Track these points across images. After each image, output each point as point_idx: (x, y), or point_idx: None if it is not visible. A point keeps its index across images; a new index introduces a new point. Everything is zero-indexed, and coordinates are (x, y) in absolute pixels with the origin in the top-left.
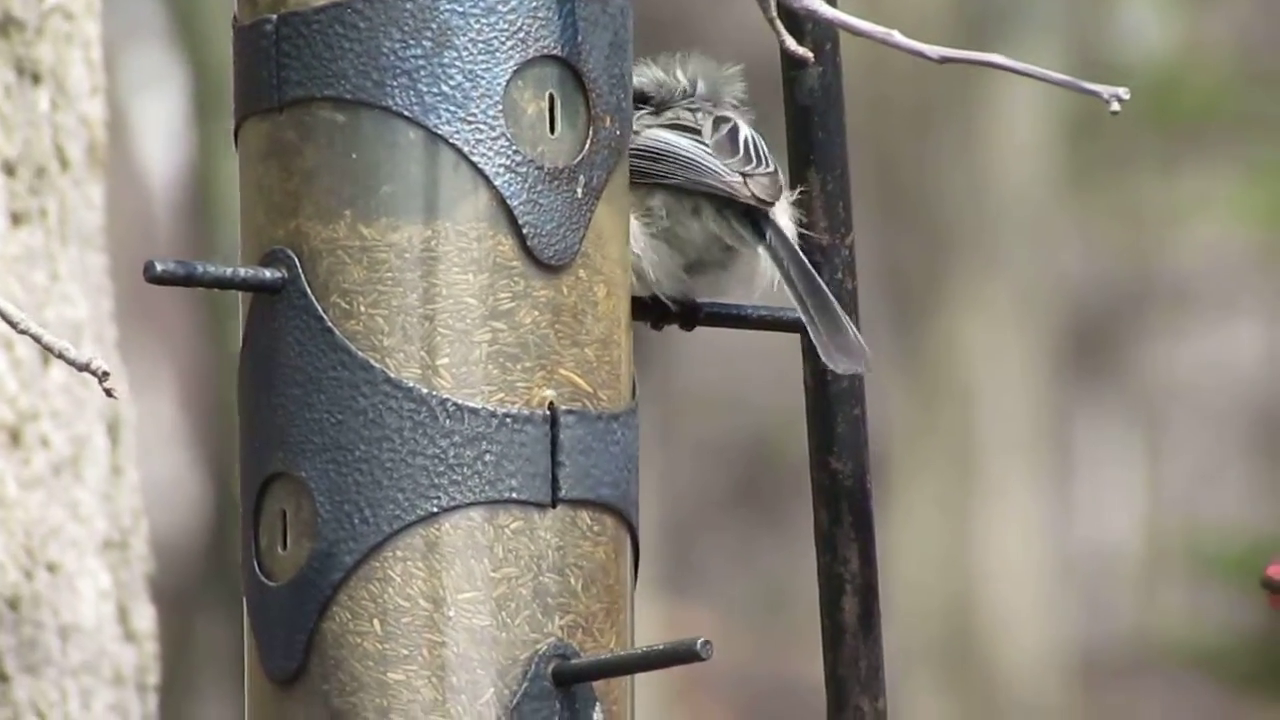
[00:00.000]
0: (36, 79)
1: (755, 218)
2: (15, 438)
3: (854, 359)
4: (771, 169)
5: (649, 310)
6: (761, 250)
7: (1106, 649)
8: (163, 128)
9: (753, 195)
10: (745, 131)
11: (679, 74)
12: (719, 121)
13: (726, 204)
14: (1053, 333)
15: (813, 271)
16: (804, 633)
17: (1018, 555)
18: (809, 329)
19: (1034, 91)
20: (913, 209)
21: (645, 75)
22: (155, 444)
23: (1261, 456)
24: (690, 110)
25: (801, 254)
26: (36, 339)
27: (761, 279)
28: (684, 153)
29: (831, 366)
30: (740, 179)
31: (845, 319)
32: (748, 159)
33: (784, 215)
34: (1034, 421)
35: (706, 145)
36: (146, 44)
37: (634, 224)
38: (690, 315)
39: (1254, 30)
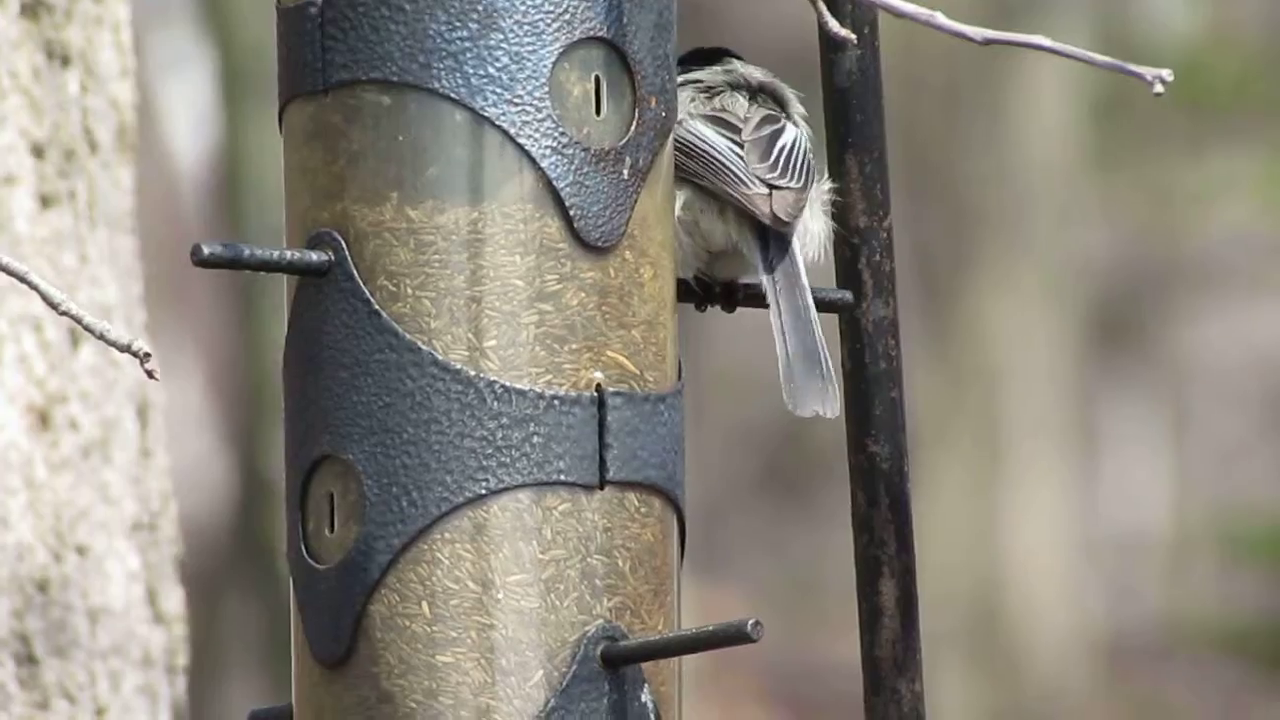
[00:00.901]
0: (66, 62)
1: (770, 236)
2: (44, 420)
3: (822, 405)
4: (799, 184)
5: (692, 293)
6: (764, 276)
7: (1133, 630)
8: (190, 110)
9: (770, 214)
10: (787, 137)
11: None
12: (766, 120)
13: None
14: (1079, 314)
15: (808, 306)
16: (833, 616)
17: (1045, 537)
18: (780, 365)
19: (1061, 73)
20: (940, 190)
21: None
22: (181, 427)
23: None
24: (745, 97)
25: (805, 284)
26: (77, 320)
27: None
28: (715, 154)
29: (792, 409)
30: (764, 191)
31: (825, 364)
32: (776, 168)
33: (815, 218)
34: (1061, 402)
35: (740, 147)
36: (174, 26)
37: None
38: (730, 296)
39: (1279, 12)
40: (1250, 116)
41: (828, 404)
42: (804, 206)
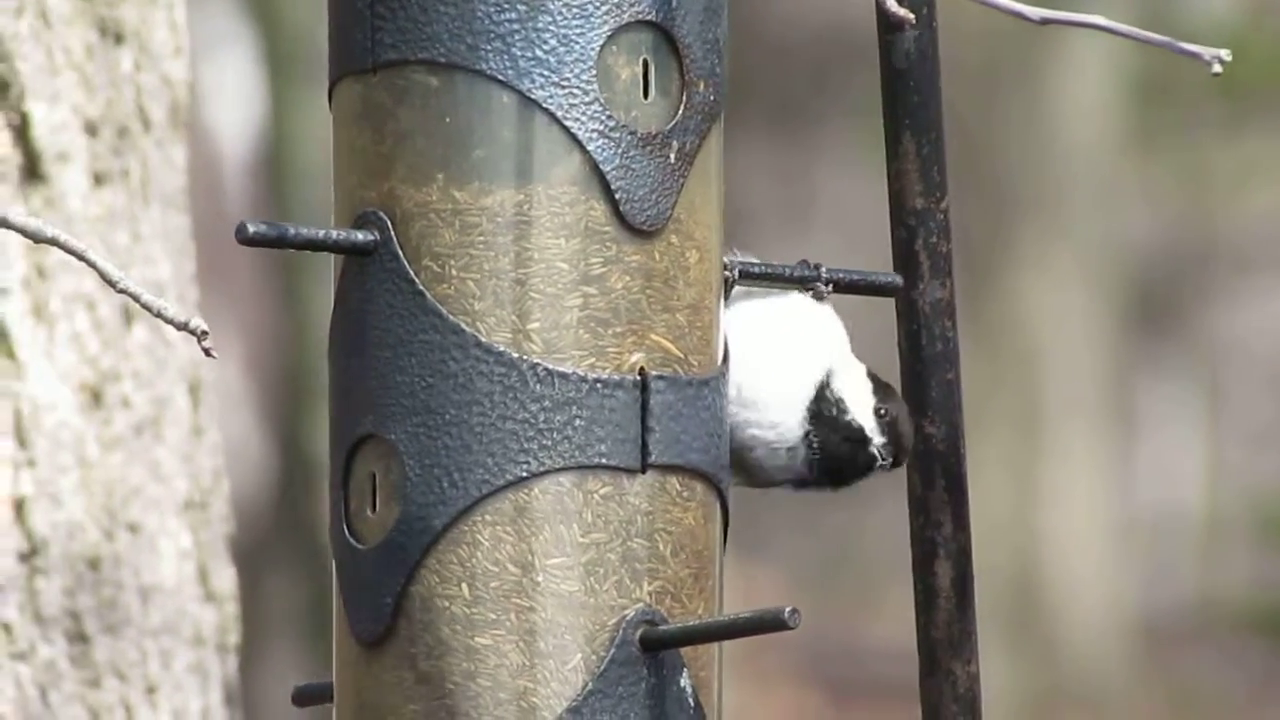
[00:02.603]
0: (119, 39)
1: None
2: (97, 398)
3: None
4: None
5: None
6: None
7: (1169, 611)
8: (233, 89)
9: None
10: None
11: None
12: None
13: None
14: (1117, 295)
15: None
16: (869, 596)
17: (1082, 517)
18: None
19: (1100, 55)
20: (979, 171)
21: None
22: (223, 406)
23: None
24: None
25: None
26: (135, 298)
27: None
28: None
29: None
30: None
31: None
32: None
33: None
34: (1098, 384)
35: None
36: (218, 5)
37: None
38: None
39: None
40: None
41: None
42: None
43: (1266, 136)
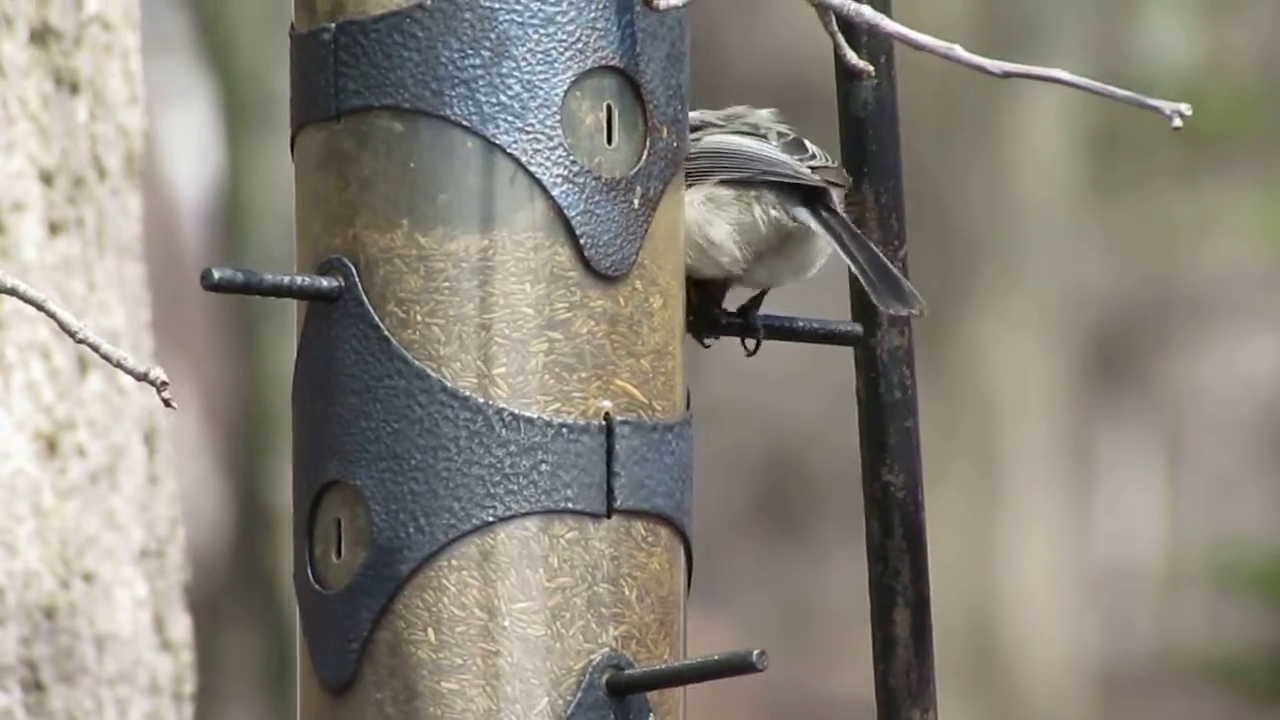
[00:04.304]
0: (75, 89)
1: (813, 204)
2: (52, 447)
3: (907, 304)
4: (838, 164)
5: (704, 323)
6: (817, 226)
7: (1127, 662)
8: (191, 138)
9: (823, 179)
10: (811, 144)
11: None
12: (784, 134)
13: (787, 194)
14: (1075, 345)
15: (866, 240)
16: (828, 646)
17: (1039, 568)
18: (861, 278)
19: (1057, 104)
20: (936, 220)
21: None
22: (180, 454)
23: None
24: (754, 126)
25: (855, 228)
26: (94, 348)
27: (815, 262)
28: (751, 149)
29: (883, 309)
30: (808, 170)
31: (899, 273)
32: (816, 157)
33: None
34: (1056, 434)
35: (773, 144)
36: (174, 55)
37: (698, 211)
38: (751, 333)
39: (1277, 44)
40: (1246, 148)
41: (914, 300)
42: (847, 181)
43: (1223, 186)
